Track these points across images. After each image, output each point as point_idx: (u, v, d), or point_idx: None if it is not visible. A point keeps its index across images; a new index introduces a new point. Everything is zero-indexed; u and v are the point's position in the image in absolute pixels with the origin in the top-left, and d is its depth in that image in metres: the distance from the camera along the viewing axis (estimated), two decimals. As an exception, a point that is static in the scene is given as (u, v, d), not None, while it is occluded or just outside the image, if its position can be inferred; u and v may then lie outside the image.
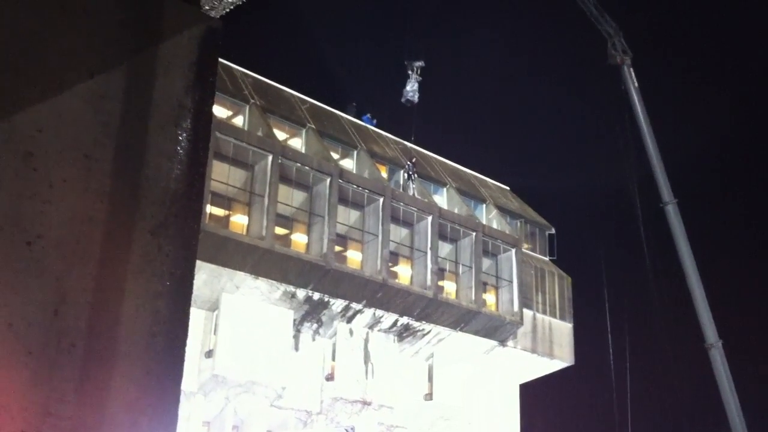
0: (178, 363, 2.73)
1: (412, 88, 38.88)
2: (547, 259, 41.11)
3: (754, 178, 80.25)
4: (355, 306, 32.24)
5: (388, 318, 33.27)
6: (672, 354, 37.67)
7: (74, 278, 2.52)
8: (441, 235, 35.11)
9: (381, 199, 33.22)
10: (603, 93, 44.19)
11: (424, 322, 34.00)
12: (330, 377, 32.26)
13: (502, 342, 36.46)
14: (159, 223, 2.72)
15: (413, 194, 35.36)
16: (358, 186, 32.97)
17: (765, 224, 78.68)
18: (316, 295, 31.21)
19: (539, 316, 38.50)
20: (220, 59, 3.25)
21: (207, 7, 3.10)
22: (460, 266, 36.03)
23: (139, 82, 2.78)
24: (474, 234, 35.96)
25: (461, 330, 35.00)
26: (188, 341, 2.81)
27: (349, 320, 32.65)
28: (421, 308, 33.50)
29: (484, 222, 37.73)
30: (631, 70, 40.44)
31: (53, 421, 2.42)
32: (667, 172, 39.29)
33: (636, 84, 40.29)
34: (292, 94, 35.88)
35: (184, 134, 2.85)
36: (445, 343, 35.21)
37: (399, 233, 34.67)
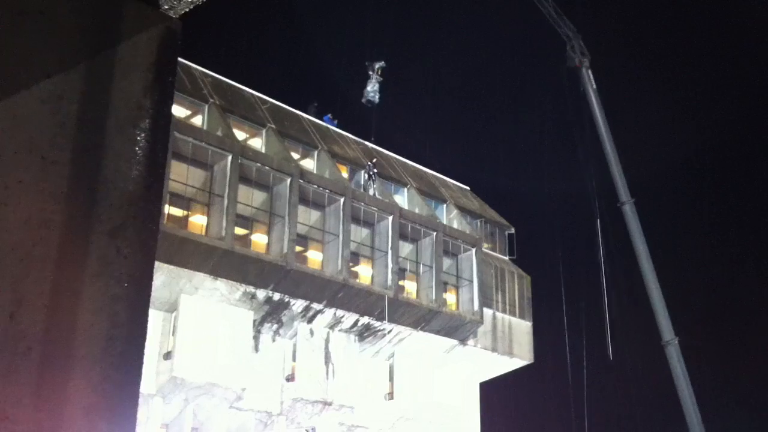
0: (136, 367, 2.71)
1: (372, 89, 38.89)
2: (506, 258, 41.42)
3: (712, 179, 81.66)
4: (316, 306, 32.17)
5: (349, 318, 33.26)
6: (629, 351, 38.21)
7: (30, 281, 2.49)
8: (402, 235, 35.19)
9: (342, 200, 33.20)
10: (562, 94, 44.66)
11: (384, 321, 34.04)
12: (290, 378, 32.15)
13: (463, 341, 36.65)
14: (117, 225, 2.70)
15: (374, 194, 35.38)
16: (319, 186, 32.91)
17: (722, 223, 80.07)
18: (277, 296, 31.09)
19: (499, 315, 38.77)
20: (179, 59, 3.23)
21: (166, 7, 3.08)
22: (421, 266, 36.14)
23: (96, 82, 2.75)
24: (434, 234, 36.10)
25: (422, 329, 35.11)
26: (146, 343, 2.80)
27: (310, 320, 32.58)
28: (382, 308, 33.55)
29: (444, 222, 37.89)
30: (590, 72, 40.96)
31: (9, 426, 2.39)
32: (625, 173, 39.88)
33: (594, 86, 40.83)
34: (252, 94, 35.69)
35: (143, 135, 2.83)
36: (406, 343, 35.30)
37: (360, 233, 34.67)
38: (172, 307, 29.39)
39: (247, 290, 30.27)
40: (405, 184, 38.38)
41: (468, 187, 43.73)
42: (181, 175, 29.35)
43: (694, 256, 74.74)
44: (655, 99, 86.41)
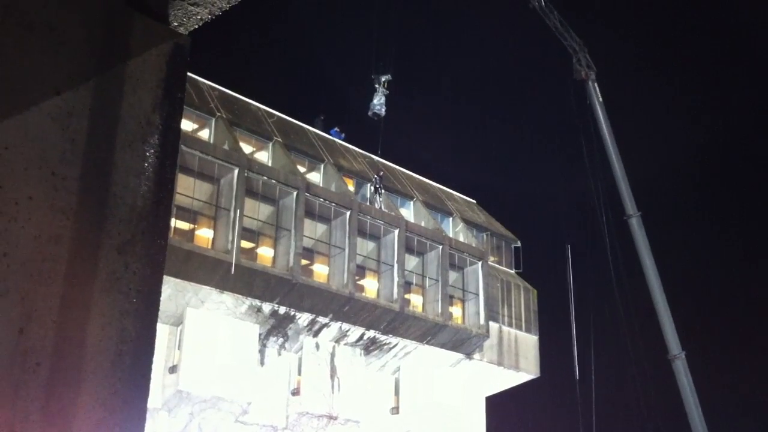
0: (144, 382, 2.72)
1: (379, 102, 39.00)
2: (513, 271, 41.34)
3: (720, 190, 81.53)
4: (322, 320, 32.13)
5: (355, 332, 33.20)
6: (636, 365, 38.04)
7: (40, 297, 2.50)
8: (408, 248, 35.16)
9: (348, 213, 33.20)
10: (569, 107, 44.73)
11: (390, 335, 33.98)
12: (296, 392, 32.07)
13: (469, 355, 36.54)
14: (126, 240, 2.71)
15: (380, 208, 35.39)
16: (325, 199, 32.93)
17: (729, 237, 79.86)
18: (282, 309, 31.06)
19: (505, 328, 38.66)
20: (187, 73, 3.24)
21: (175, 24, 3.10)
22: (427, 279, 36.09)
23: (106, 99, 2.77)
24: (440, 247, 36.06)
25: (428, 343, 35.02)
26: (153, 358, 2.80)
27: (316, 334, 32.53)
28: (388, 322, 33.48)
29: (450, 235, 37.85)
30: (596, 84, 40.98)
31: (18, 442, 2.39)
32: (632, 186, 39.82)
33: (600, 99, 40.84)
34: (258, 108, 35.78)
35: (152, 151, 2.84)
36: (412, 357, 35.21)
37: (366, 246, 34.65)
38: (177, 321, 29.38)
39: (253, 303, 30.26)
40: (411, 197, 38.39)
41: (474, 200, 43.72)
42: (187, 188, 29.40)
43: (702, 269, 74.50)
44: (662, 111, 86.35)
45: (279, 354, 32.30)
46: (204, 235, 30.05)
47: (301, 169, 34.29)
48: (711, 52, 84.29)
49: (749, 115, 79.80)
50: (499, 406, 41.34)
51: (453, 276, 36.90)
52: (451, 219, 39.53)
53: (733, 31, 79.53)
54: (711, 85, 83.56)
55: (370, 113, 39.23)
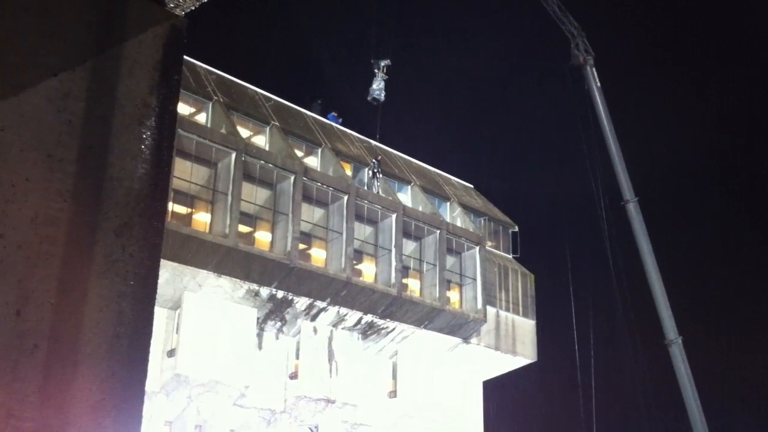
0: (142, 364, 2.72)
1: (378, 87, 38.94)
2: (510, 256, 41.38)
3: (717, 176, 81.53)
4: (319, 304, 32.17)
5: (352, 316, 33.26)
6: (634, 350, 38.20)
7: (37, 279, 2.50)
8: (405, 233, 35.16)
9: (345, 197, 33.18)
10: (568, 92, 44.66)
11: (388, 319, 34.03)
12: (294, 376, 32.17)
13: (466, 339, 36.63)
14: (123, 223, 2.70)
15: (378, 192, 35.36)
16: (323, 184, 32.90)
17: (726, 223, 79.95)
18: (280, 294, 31.10)
19: (502, 313, 38.73)
20: (184, 56, 3.23)
21: (172, 5, 3.08)
22: (424, 264, 36.11)
23: (103, 80, 2.76)
24: (438, 232, 36.07)
25: (425, 327, 35.09)
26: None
27: (313, 318, 32.58)
28: (385, 306, 33.54)
29: (448, 220, 37.85)
30: (594, 70, 40.92)
31: (15, 423, 2.40)
32: (630, 173, 39.86)
33: (598, 84, 40.79)
34: (256, 92, 35.68)
35: (149, 133, 2.83)
36: (409, 341, 35.29)
37: (363, 231, 34.66)
38: (175, 305, 29.42)
39: (251, 288, 30.28)
40: (409, 182, 38.36)
41: (471, 185, 43.70)
42: (185, 172, 29.36)
43: (698, 254, 74.64)
44: (660, 97, 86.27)
45: (277, 338, 32.38)
46: (201, 219, 30.04)
47: (299, 153, 34.24)
48: (713, 38, 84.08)
49: (751, 101, 79.71)
50: (496, 390, 41.52)
51: (450, 261, 36.94)
52: (448, 204, 39.52)
53: (735, 16, 79.35)
54: (713, 73, 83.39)
55: (369, 98, 39.18)
